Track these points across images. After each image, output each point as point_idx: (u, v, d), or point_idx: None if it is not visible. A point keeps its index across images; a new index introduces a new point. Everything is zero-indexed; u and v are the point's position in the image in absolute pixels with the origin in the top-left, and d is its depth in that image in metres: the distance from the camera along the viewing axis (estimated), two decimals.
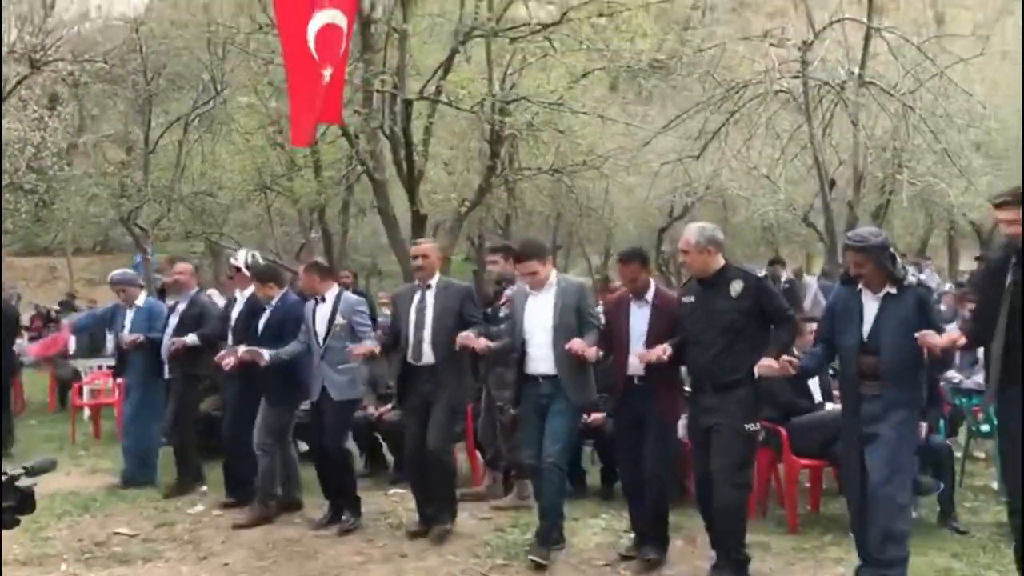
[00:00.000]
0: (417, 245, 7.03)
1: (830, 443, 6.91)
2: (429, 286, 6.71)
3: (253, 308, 7.92)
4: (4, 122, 14.61)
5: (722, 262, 5.68)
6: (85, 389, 14.02)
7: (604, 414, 7.50)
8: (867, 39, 12.66)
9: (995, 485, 7.92)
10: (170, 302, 9.32)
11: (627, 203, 24.45)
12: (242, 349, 7.38)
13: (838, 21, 12.26)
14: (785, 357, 5.29)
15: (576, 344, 6.01)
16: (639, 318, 6.09)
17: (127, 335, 8.86)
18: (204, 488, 8.75)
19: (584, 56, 14.07)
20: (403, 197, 15.13)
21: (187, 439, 8.72)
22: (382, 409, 8.89)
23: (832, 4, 13.67)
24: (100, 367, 14.95)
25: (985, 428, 8.21)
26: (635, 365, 5.98)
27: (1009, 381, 4.82)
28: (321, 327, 7.14)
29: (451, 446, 7.05)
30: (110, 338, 17.51)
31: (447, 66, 13.11)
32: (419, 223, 14.12)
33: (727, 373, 5.51)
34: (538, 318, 6.32)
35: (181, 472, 8.74)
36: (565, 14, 11.88)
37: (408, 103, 12.58)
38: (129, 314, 9.14)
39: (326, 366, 7.08)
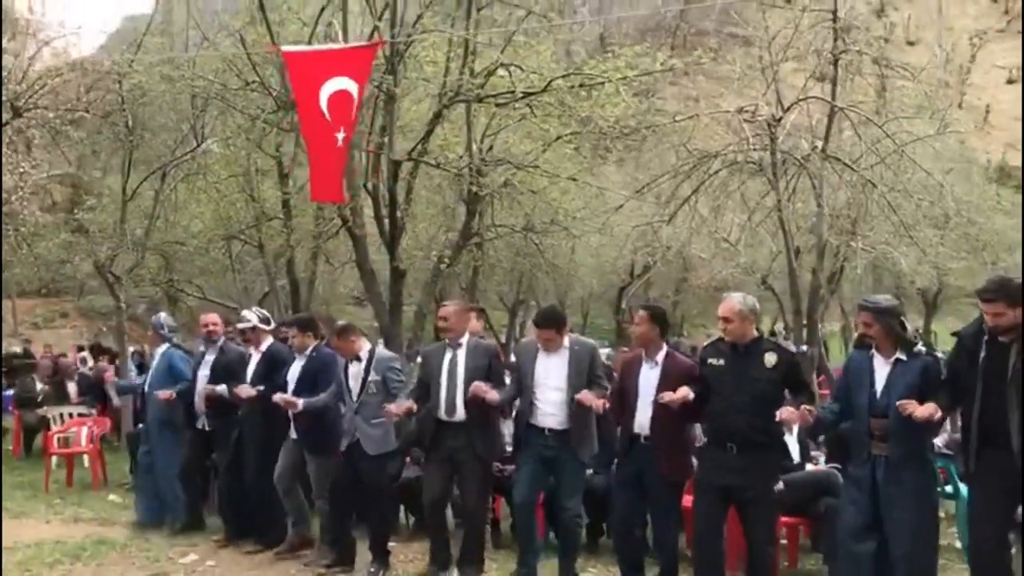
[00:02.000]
0: (443, 308, 7.33)
1: (812, 501, 7.36)
2: (460, 344, 7.02)
3: (273, 361, 8.29)
4: None
5: (755, 332, 6.10)
6: (56, 437, 13.99)
7: (591, 471, 7.75)
8: (830, 117, 13.38)
9: (958, 544, 8.35)
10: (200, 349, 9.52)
11: (592, 262, 25.13)
12: (278, 396, 7.72)
13: (804, 100, 12.95)
14: (804, 406, 5.71)
15: (585, 396, 6.39)
16: (648, 379, 6.42)
17: (162, 393, 9.18)
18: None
19: (558, 121, 14.60)
20: (377, 251, 15.56)
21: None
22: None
23: (797, 79, 14.42)
24: (71, 415, 14.96)
25: (948, 489, 8.67)
26: (642, 423, 6.34)
27: (984, 447, 5.30)
28: (355, 383, 7.43)
29: (487, 502, 7.40)
30: (72, 387, 17.55)
31: (431, 128, 13.54)
32: (398, 278, 14.43)
33: (756, 435, 5.90)
34: (551, 377, 6.71)
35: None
36: (550, 83, 12.38)
37: (396, 163, 12.97)
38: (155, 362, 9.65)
39: (361, 421, 7.35)
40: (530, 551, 6.91)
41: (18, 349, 26.98)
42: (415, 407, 7.11)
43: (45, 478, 12.91)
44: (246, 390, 8.13)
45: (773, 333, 26.37)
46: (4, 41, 14.41)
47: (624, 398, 6.54)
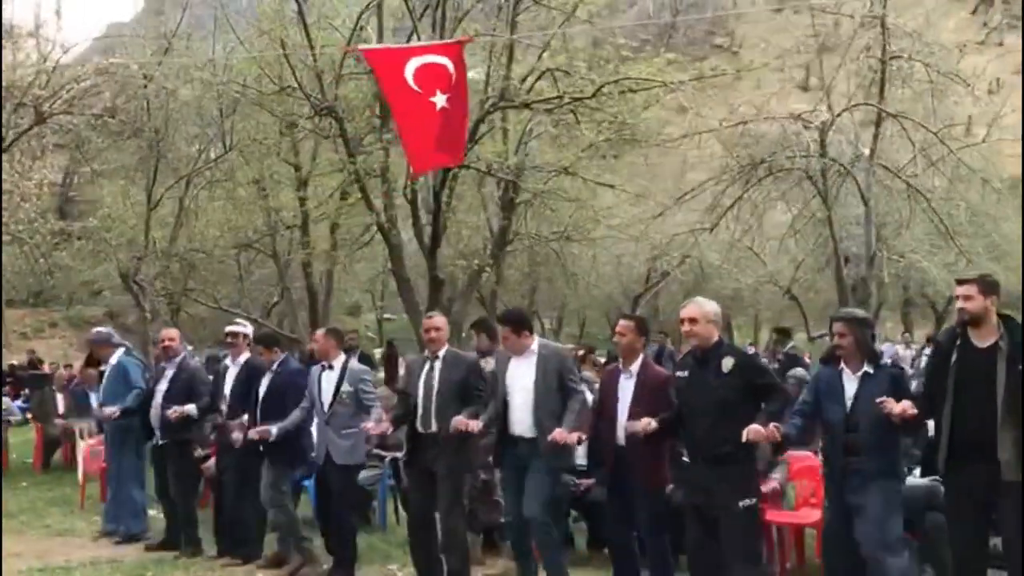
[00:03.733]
0: (430, 318, 7.16)
1: (920, 515, 7.09)
2: (437, 357, 6.84)
3: (250, 374, 8.02)
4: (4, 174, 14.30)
5: (717, 337, 5.90)
6: (89, 451, 13.52)
7: (592, 480, 7.49)
8: (878, 123, 13.21)
9: None
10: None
11: (610, 271, 24.93)
12: (253, 432, 7.51)
13: (856, 105, 12.77)
14: (772, 424, 5.47)
15: (559, 435, 6.19)
16: (626, 390, 6.35)
17: (107, 410, 8.90)
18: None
19: (597, 128, 14.35)
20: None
21: (190, 506, 8.71)
22: None
23: (841, 86, 14.25)
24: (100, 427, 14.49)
25: None
26: (621, 434, 6.24)
27: (956, 455, 5.17)
28: (327, 394, 7.32)
29: (461, 515, 7.03)
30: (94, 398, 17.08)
31: (479, 133, 13.29)
32: (436, 288, 14.12)
33: (719, 445, 5.64)
34: (519, 381, 6.55)
35: (187, 536, 8.66)
36: (600, 88, 12.14)
37: (446, 169, 12.67)
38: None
39: (331, 432, 7.26)
40: (527, 569, 6.74)
41: (16, 361, 26.46)
42: (390, 430, 7.15)
43: (81, 494, 12.45)
44: (236, 437, 7.83)
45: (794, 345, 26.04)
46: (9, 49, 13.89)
47: (605, 409, 6.49)
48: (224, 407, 8.18)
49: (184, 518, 8.66)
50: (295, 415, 7.53)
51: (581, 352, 11.97)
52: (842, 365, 5.68)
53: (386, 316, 41.90)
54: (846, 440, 5.58)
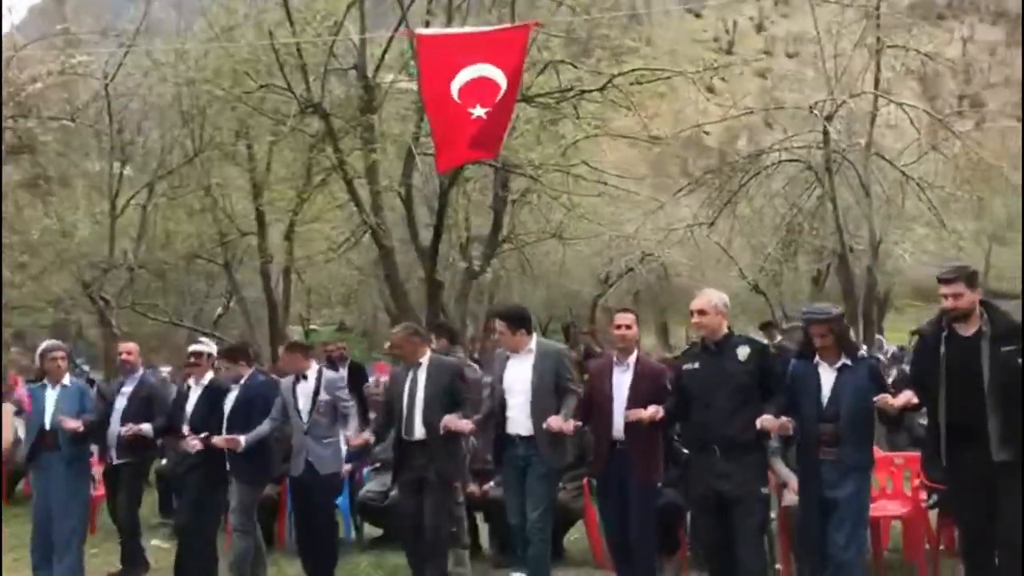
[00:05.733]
0: (394, 334, 7.22)
1: None
2: (420, 364, 6.84)
3: (213, 394, 7.66)
4: None
5: (726, 328, 5.95)
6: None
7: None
8: (873, 114, 13.23)
9: None
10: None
11: (582, 271, 24.78)
12: (220, 439, 7.17)
13: (861, 94, 12.73)
14: (783, 418, 5.58)
15: (553, 422, 6.22)
16: (621, 383, 6.35)
17: (71, 421, 7.76)
18: None
19: (590, 123, 14.02)
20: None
21: (136, 528, 8.25)
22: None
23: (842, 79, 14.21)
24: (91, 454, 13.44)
25: None
26: (618, 428, 6.22)
27: (955, 446, 5.25)
28: (304, 404, 7.23)
29: (447, 521, 7.08)
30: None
31: None
32: (435, 290, 13.54)
33: (739, 434, 5.69)
34: (517, 380, 6.55)
35: (130, 561, 8.17)
36: (611, 79, 11.78)
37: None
38: (52, 394, 7.97)
39: (311, 441, 7.17)
40: (542, 570, 6.65)
41: None
42: (373, 439, 7.21)
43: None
44: (193, 444, 7.37)
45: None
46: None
47: (598, 404, 6.43)
48: (186, 429, 7.57)
49: (130, 543, 8.11)
50: (264, 427, 7.29)
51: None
52: (817, 359, 5.70)
53: (311, 327, 40.94)
54: (822, 432, 5.59)
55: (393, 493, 8.50)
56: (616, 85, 12.08)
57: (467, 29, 9.07)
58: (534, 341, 6.66)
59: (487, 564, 8.02)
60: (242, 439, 7.13)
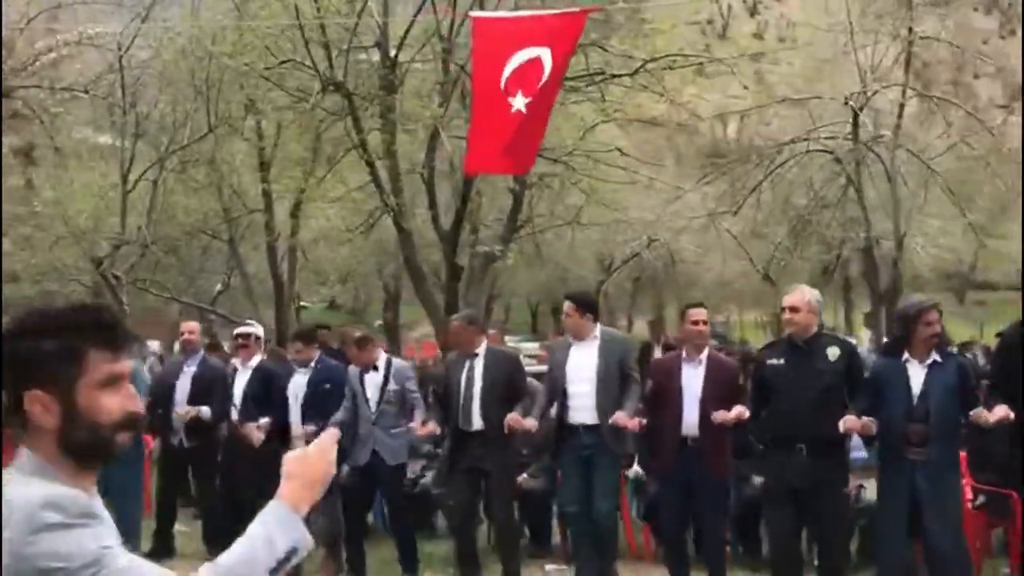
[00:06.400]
0: (451, 323, 7.23)
1: None
2: (476, 355, 6.79)
3: (267, 379, 7.70)
4: None
5: (816, 326, 5.91)
6: None
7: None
8: (901, 106, 13.09)
9: None
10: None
11: (587, 256, 24.65)
12: (312, 429, 7.00)
13: (890, 86, 12.58)
14: (865, 418, 5.47)
15: (620, 419, 6.16)
16: (692, 379, 6.27)
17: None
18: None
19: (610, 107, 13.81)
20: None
21: (213, 508, 8.15)
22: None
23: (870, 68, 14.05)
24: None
25: None
26: (690, 425, 6.16)
27: None
28: (373, 393, 7.18)
29: (513, 513, 7.20)
30: None
31: None
32: (455, 275, 13.35)
33: (827, 433, 5.58)
34: (581, 369, 6.46)
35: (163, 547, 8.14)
36: (643, 64, 11.59)
37: None
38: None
39: (379, 431, 7.13)
40: (607, 557, 6.59)
41: None
42: (438, 430, 7.09)
43: None
44: (259, 437, 7.43)
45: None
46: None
47: (667, 401, 6.35)
48: (235, 413, 7.66)
49: (211, 520, 8.11)
50: (339, 415, 7.20)
51: None
52: (906, 355, 5.57)
53: (302, 304, 40.74)
54: (911, 431, 5.46)
55: (424, 481, 8.46)
56: (648, 70, 11.89)
57: (523, 13, 8.82)
58: (599, 329, 6.59)
59: (522, 554, 7.81)
60: (334, 430, 7.03)
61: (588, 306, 6.65)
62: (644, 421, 6.36)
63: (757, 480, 6.72)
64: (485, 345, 6.91)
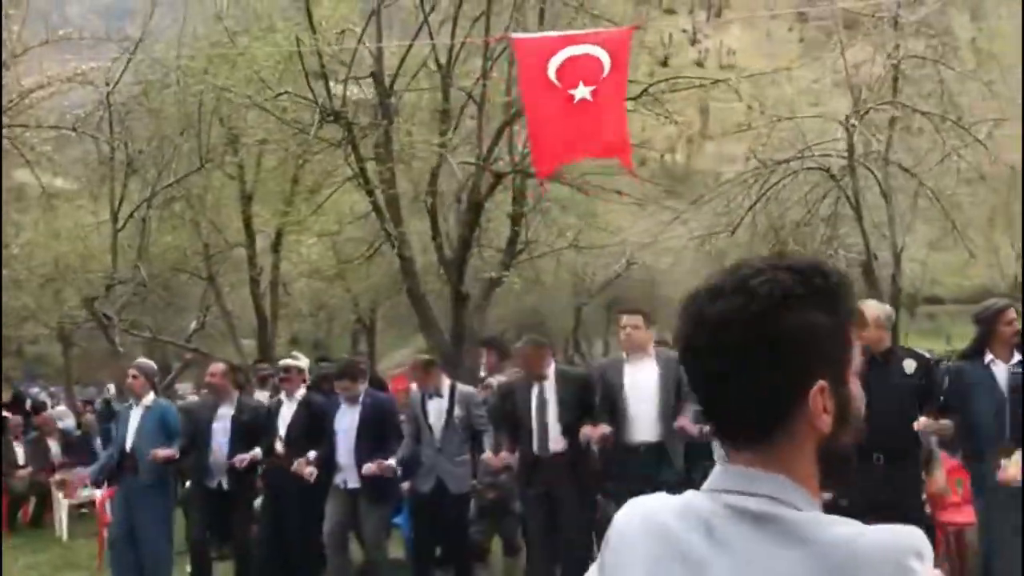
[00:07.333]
0: (521, 348, 7.05)
1: None
2: (545, 377, 6.68)
3: (314, 413, 7.60)
4: None
5: (889, 340, 5.90)
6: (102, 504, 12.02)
7: None
8: (892, 122, 13.38)
9: None
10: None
11: (569, 279, 24.68)
12: (372, 466, 7.01)
13: (885, 103, 12.86)
14: (943, 420, 5.56)
15: (686, 425, 6.12)
16: None
17: (163, 450, 7.67)
18: None
19: None
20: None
21: (248, 552, 8.06)
22: None
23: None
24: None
25: None
26: None
27: None
28: (436, 420, 7.07)
29: (591, 537, 6.95)
30: (54, 446, 15.21)
31: (497, 136, 12.58)
32: (461, 302, 13.26)
33: (901, 443, 5.63)
34: (641, 387, 6.45)
35: None
36: (647, 88, 11.72)
37: (499, 177, 11.85)
38: (135, 413, 7.89)
39: (444, 459, 7.04)
40: None
41: None
42: (514, 461, 6.89)
43: (99, 556, 10.99)
44: (310, 471, 7.32)
45: None
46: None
47: None
48: (280, 448, 7.58)
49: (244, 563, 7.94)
50: (405, 448, 7.18)
51: None
52: (990, 357, 5.60)
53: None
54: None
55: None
56: (651, 93, 12.01)
57: (565, 32, 8.83)
58: (652, 346, 6.58)
59: None
60: (393, 462, 6.98)
61: (647, 313, 6.69)
62: (707, 430, 6.29)
63: (826, 495, 6.75)
64: (554, 366, 6.81)
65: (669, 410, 6.33)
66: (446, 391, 7.14)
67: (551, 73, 7.44)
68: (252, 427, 7.87)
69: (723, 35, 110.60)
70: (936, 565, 1.21)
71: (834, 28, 14.13)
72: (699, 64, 76.74)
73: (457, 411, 7.06)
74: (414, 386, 7.59)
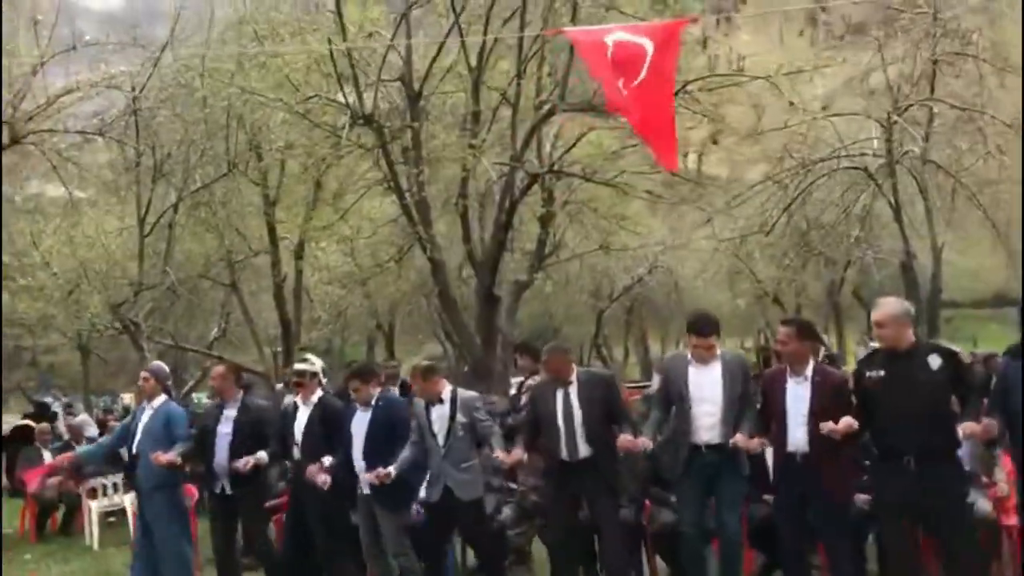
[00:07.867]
0: (548, 353, 6.93)
1: None
2: (570, 382, 6.67)
3: (329, 418, 7.41)
4: None
5: (912, 336, 5.75)
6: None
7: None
8: (930, 119, 13.16)
9: None
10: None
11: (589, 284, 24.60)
12: (372, 476, 6.93)
13: (925, 100, 12.65)
14: (985, 420, 5.45)
15: (741, 441, 6.13)
16: (798, 394, 6.13)
17: (164, 455, 7.55)
18: None
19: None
20: None
21: (270, 558, 7.85)
22: None
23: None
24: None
25: None
26: (797, 441, 6.05)
27: None
28: (440, 427, 6.98)
29: (620, 544, 6.90)
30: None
31: (529, 137, 12.40)
32: (492, 306, 13.10)
33: (933, 443, 5.53)
34: (706, 389, 6.41)
35: None
36: (684, 86, 11.53)
37: (535, 177, 11.68)
38: (145, 415, 7.85)
39: (449, 467, 6.94)
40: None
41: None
42: (525, 458, 6.83)
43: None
44: (324, 479, 7.16)
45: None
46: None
47: (772, 417, 6.26)
48: (296, 452, 7.42)
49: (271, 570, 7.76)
50: (407, 453, 7.02)
51: None
52: None
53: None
54: None
55: (500, 518, 7.94)
56: (688, 92, 11.84)
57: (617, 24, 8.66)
58: (719, 349, 6.52)
59: None
60: (392, 471, 6.84)
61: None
62: (763, 440, 6.24)
63: (863, 497, 6.50)
64: (576, 370, 6.77)
65: (732, 414, 6.31)
66: (447, 397, 7.02)
67: (610, 53, 7.27)
68: (256, 428, 7.69)
69: (733, 41, 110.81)
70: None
71: (844, 30, 13.88)
72: (709, 70, 76.51)
73: (460, 417, 6.94)
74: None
